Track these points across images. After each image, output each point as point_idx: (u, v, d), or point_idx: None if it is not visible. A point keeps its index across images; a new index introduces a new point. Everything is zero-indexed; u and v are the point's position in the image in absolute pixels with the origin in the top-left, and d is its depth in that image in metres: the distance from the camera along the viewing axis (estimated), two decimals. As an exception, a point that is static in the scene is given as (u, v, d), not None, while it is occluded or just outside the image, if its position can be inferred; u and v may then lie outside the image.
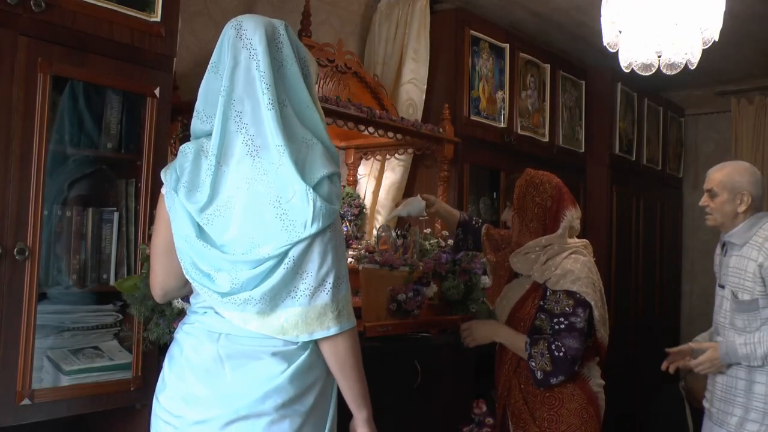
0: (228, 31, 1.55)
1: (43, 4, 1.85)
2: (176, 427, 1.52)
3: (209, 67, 1.57)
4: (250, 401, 1.47)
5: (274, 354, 1.49)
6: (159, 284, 1.63)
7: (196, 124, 1.56)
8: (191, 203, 1.50)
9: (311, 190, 1.46)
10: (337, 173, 1.53)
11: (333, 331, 1.49)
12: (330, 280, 1.49)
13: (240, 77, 1.51)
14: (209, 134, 1.54)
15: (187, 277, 1.54)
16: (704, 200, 2.58)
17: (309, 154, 1.51)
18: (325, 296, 1.48)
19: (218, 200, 1.50)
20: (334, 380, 1.59)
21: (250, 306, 1.47)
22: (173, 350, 1.60)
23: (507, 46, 3.77)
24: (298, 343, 1.51)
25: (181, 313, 1.95)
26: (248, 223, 1.48)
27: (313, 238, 1.47)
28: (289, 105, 1.52)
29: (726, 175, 2.52)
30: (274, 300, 1.47)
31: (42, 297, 1.97)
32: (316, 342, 1.53)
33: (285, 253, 1.46)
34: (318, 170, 1.49)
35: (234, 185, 1.49)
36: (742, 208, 2.47)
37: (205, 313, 1.55)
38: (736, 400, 2.41)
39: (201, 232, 1.51)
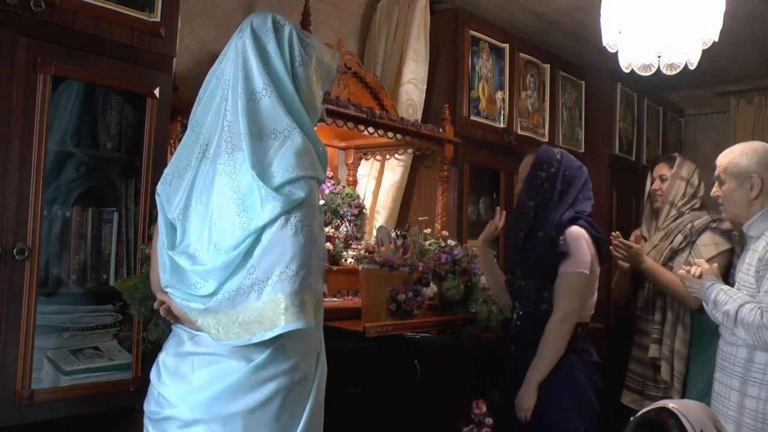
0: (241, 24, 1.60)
1: (43, 4, 1.85)
2: (152, 421, 1.55)
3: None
4: (206, 399, 1.46)
5: (232, 352, 1.47)
6: (159, 280, 1.63)
7: (196, 109, 1.59)
8: (169, 205, 1.55)
9: (264, 185, 1.42)
10: (303, 177, 1.46)
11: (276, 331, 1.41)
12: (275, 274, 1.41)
13: (228, 68, 1.55)
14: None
15: (161, 271, 1.55)
16: (714, 190, 2.39)
17: (281, 148, 1.47)
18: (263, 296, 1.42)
19: (194, 198, 1.53)
20: (309, 385, 1.54)
21: (195, 312, 1.48)
22: (161, 351, 1.63)
23: (507, 46, 3.77)
24: (261, 342, 1.45)
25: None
26: (215, 221, 1.48)
27: (261, 230, 1.43)
28: (275, 95, 1.51)
29: (730, 160, 2.32)
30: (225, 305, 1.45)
31: (42, 297, 1.97)
32: (282, 341, 1.47)
33: (243, 252, 1.43)
34: (282, 170, 1.45)
35: (209, 182, 1.51)
36: (753, 194, 2.26)
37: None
38: (728, 414, 2.22)
39: (174, 234, 1.55)
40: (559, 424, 2.30)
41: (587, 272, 2.35)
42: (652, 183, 3.11)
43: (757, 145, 2.34)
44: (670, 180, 3.02)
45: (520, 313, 2.41)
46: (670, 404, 1.41)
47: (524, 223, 2.42)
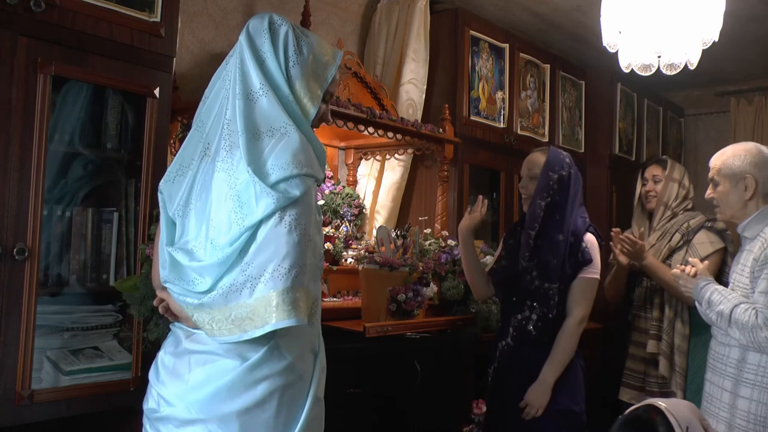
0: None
1: (43, 4, 1.85)
2: (150, 419, 1.55)
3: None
4: (202, 398, 1.46)
5: (228, 351, 1.47)
6: (159, 276, 1.64)
7: (201, 108, 1.60)
8: (171, 202, 1.56)
9: (259, 181, 1.43)
10: (299, 175, 1.46)
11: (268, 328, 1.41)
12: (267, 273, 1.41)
13: (230, 72, 1.56)
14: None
15: (161, 267, 1.56)
16: (708, 192, 2.38)
17: (277, 146, 1.48)
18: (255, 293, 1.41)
19: (193, 195, 1.54)
20: (306, 385, 1.54)
21: (190, 308, 1.49)
22: (159, 350, 1.63)
23: (507, 46, 3.77)
24: (256, 339, 1.44)
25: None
26: (212, 218, 1.49)
27: (256, 227, 1.44)
28: (272, 94, 1.52)
29: (723, 161, 2.31)
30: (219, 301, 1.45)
31: (42, 297, 1.97)
32: (276, 340, 1.47)
33: (237, 250, 1.44)
34: (279, 167, 1.45)
35: (209, 180, 1.52)
36: (747, 195, 2.25)
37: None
38: (720, 414, 2.20)
39: (174, 231, 1.56)
40: (570, 410, 2.37)
41: (599, 278, 2.46)
42: (644, 184, 3.18)
43: (749, 145, 2.34)
44: (663, 182, 3.08)
45: (540, 314, 2.42)
46: (659, 402, 1.42)
47: (536, 223, 2.45)
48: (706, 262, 2.48)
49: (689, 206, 3.07)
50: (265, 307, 1.40)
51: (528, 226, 2.47)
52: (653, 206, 3.10)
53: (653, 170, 3.14)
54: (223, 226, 1.46)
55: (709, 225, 2.92)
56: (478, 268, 2.65)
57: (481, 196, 2.71)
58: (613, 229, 2.97)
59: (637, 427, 1.41)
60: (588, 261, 2.40)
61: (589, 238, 2.43)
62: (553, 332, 2.40)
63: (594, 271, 2.42)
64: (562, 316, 2.40)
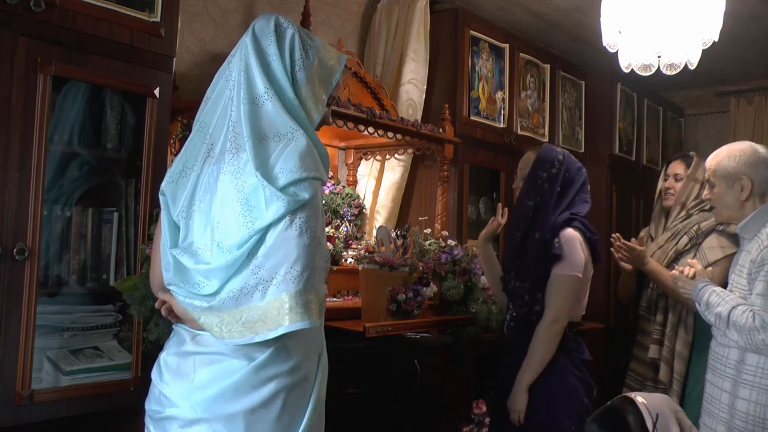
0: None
1: (43, 4, 1.85)
2: (154, 420, 1.55)
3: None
4: (207, 398, 1.46)
5: (234, 351, 1.47)
6: (160, 280, 1.63)
7: (203, 108, 1.59)
8: (174, 203, 1.55)
9: (269, 185, 1.42)
10: (307, 178, 1.46)
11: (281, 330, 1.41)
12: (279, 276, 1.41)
13: (234, 69, 1.55)
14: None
15: (164, 270, 1.55)
16: (705, 193, 2.38)
17: (285, 150, 1.48)
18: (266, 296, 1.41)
19: (197, 197, 1.53)
20: (311, 386, 1.54)
21: (198, 311, 1.48)
22: (162, 350, 1.63)
23: (507, 46, 3.77)
24: (263, 341, 1.44)
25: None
26: (218, 220, 1.48)
27: (265, 230, 1.43)
28: (276, 99, 1.52)
29: (718, 162, 2.30)
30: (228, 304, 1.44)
31: (42, 297, 1.97)
32: (283, 341, 1.47)
33: (245, 254, 1.43)
34: (287, 171, 1.45)
35: (213, 181, 1.51)
36: (743, 196, 2.23)
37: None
38: (719, 415, 2.18)
39: (177, 233, 1.55)
40: (549, 424, 2.28)
41: (580, 275, 2.34)
42: (665, 180, 3.06)
43: (744, 145, 2.31)
44: (684, 181, 2.97)
45: (514, 314, 2.39)
46: (634, 396, 1.51)
47: (522, 223, 2.41)
48: (709, 267, 2.44)
49: (707, 206, 2.85)
50: (278, 309, 1.40)
51: (513, 227, 2.44)
52: (670, 204, 2.99)
53: (676, 167, 3.02)
54: (230, 228, 1.46)
55: (721, 228, 2.77)
56: (494, 277, 2.62)
57: (500, 204, 2.69)
58: (613, 235, 2.90)
59: (608, 415, 1.52)
60: (557, 256, 2.29)
61: (567, 233, 2.32)
62: (526, 332, 2.33)
63: (569, 267, 2.30)
64: (540, 316, 2.33)
